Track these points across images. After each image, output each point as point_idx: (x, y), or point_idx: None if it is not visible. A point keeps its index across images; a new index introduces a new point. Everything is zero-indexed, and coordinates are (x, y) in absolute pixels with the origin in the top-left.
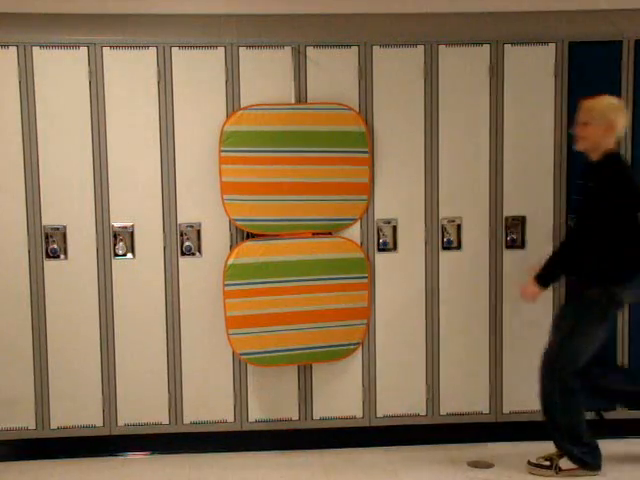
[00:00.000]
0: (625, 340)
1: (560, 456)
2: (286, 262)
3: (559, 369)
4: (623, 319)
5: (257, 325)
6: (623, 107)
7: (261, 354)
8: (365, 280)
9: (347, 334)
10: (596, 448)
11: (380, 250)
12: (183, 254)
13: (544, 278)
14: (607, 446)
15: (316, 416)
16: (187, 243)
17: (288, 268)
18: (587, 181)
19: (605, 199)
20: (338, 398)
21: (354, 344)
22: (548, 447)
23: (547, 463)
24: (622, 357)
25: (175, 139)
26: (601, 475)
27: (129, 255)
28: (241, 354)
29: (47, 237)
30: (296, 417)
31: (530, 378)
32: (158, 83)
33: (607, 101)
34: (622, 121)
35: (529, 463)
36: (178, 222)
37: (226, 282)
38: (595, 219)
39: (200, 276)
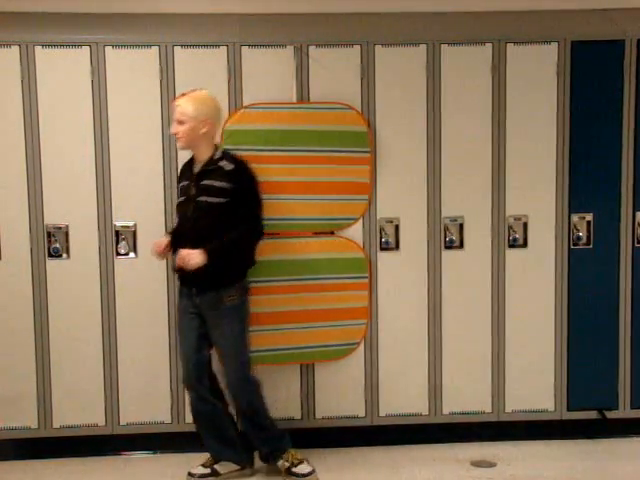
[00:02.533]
0: (627, 336)
1: (216, 461)
2: (287, 261)
3: (247, 376)
4: (625, 317)
5: (257, 324)
6: None
7: (260, 353)
8: (365, 280)
9: (347, 334)
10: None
11: (382, 249)
12: None
13: (213, 255)
14: (609, 445)
15: (318, 415)
16: None
17: (289, 267)
18: (202, 180)
19: (251, 197)
20: (340, 397)
21: (353, 344)
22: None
23: (208, 471)
24: (625, 350)
25: None
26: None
27: (131, 254)
28: None
29: (49, 236)
30: (298, 416)
31: (532, 377)
32: (160, 82)
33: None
34: None
35: (190, 475)
36: None
37: None
38: (233, 219)
39: None
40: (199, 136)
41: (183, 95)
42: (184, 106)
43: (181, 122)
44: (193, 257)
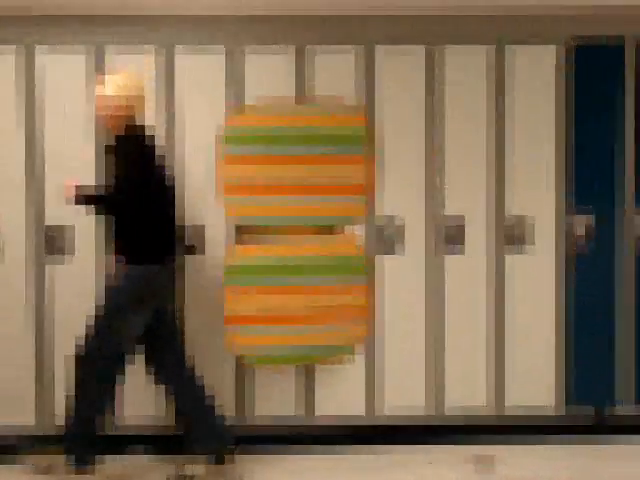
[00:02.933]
0: (627, 335)
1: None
2: (286, 262)
3: (93, 353)
4: (625, 316)
5: (256, 324)
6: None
7: (259, 353)
8: (365, 280)
9: (347, 334)
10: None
11: (383, 249)
12: (186, 253)
13: (83, 198)
14: (609, 445)
15: (318, 415)
16: (190, 242)
17: (288, 268)
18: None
19: (134, 174)
20: (341, 397)
21: (354, 344)
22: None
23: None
24: (624, 349)
25: (177, 139)
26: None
27: None
28: (239, 353)
29: (49, 236)
30: (298, 416)
31: (532, 377)
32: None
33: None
34: None
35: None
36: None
37: (226, 281)
38: (128, 194)
39: (202, 275)
40: (122, 119)
41: (103, 80)
42: (104, 92)
43: (102, 108)
44: (68, 189)
